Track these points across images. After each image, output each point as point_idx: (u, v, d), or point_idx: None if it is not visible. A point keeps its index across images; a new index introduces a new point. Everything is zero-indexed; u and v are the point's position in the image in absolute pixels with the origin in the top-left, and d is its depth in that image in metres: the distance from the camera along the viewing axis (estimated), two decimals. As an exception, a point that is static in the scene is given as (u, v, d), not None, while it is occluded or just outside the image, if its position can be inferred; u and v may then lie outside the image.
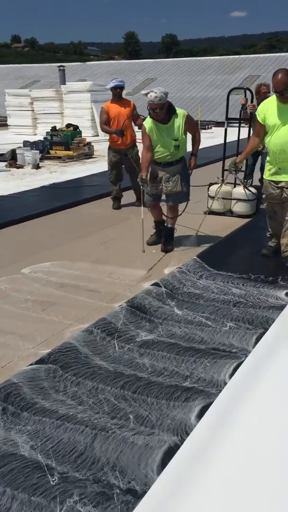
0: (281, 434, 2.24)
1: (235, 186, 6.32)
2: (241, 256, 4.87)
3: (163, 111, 4.45)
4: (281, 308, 3.58)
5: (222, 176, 6.33)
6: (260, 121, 4.21)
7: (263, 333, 3.21)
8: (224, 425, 2.28)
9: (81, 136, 11.97)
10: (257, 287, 4.01)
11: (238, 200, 6.18)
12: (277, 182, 4.29)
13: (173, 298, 3.79)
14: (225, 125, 6.53)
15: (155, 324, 3.37)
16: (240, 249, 5.06)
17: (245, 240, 5.30)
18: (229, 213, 6.32)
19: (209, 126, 20.34)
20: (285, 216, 4.33)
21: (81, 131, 12.24)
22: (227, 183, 6.15)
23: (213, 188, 6.21)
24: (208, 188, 6.35)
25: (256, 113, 4.34)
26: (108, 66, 33.47)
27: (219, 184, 6.08)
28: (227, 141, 6.49)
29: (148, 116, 4.61)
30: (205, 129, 19.39)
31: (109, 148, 6.67)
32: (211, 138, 16.42)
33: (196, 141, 4.82)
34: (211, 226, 5.58)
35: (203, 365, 2.85)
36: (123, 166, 6.69)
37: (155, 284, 3.95)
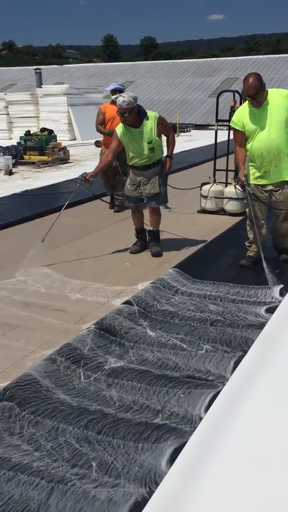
0: (262, 479, 2.00)
1: (226, 186, 6.47)
2: (219, 267, 4.65)
3: (132, 115, 4.46)
4: (260, 326, 3.34)
5: (214, 176, 6.55)
6: (239, 129, 4.16)
7: (242, 357, 2.96)
8: (198, 472, 2.02)
9: (56, 141, 11.65)
10: (236, 303, 3.78)
11: (230, 198, 6.27)
12: (263, 186, 4.25)
13: (146, 317, 3.53)
14: (216, 126, 6.68)
15: (125, 348, 3.10)
16: (219, 259, 4.84)
17: (225, 249, 5.07)
18: (222, 211, 6.43)
19: (188, 129, 20.18)
20: (277, 221, 4.43)
21: (56, 135, 11.93)
22: (218, 182, 6.44)
23: (206, 187, 6.44)
24: (201, 188, 6.54)
25: (231, 124, 4.29)
26: (86, 69, 33.15)
27: (211, 184, 6.39)
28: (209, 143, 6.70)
29: (121, 122, 4.62)
30: (183, 132, 19.23)
31: (102, 149, 6.80)
32: (189, 141, 16.25)
33: (170, 142, 4.80)
34: (203, 226, 5.73)
35: (176, 397, 2.59)
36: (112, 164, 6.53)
37: (127, 302, 3.68)
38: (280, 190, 4.22)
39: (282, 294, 3.90)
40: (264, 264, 4.14)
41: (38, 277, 4.31)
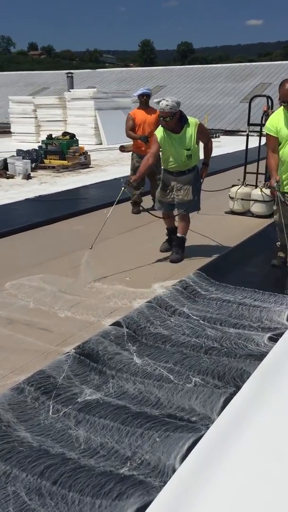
0: None
1: (256, 188, 6.60)
2: (227, 285, 4.30)
3: (174, 120, 4.43)
4: (260, 357, 2.99)
5: (244, 179, 6.77)
6: (273, 134, 4.13)
7: (234, 393, 2.63)
8: None
9: (77, 145, 11.48)
10: (237, 328, 3.43)
11: (256, 201, 6.39)
12: None
13: (135, 341, 3.22)
14: (247, 130, 6.95)
15: (105, 378, 2.81)
16: (228, 275, 4.49)
17: (236, 264, 4.72)
18: (249, 213, 6.58)
19: (217, 135, 19.74)
20: None
21: (77, 139, 11.75)
22: (247, 185, 6.65)
23: (233, 189, 6.68)
24: (230, 190, 6.79)
25: (265, 128, 4.28)
26: (118, 73, 33.11)
27: (239, 186, 6.63)
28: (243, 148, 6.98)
29: (160, 125, 4.60)
30: (212, 137, 18.82)
31: (133, 153, 6.82)
32: (217, 147, 15.80)
33: (208, 150, 4.78)
34: (229, 230, 5.89)
35: (151, 441, 2.28)
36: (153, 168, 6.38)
37: (116, 323, 3.38)
38: None
39: (290, 319, 3.54)
40: None
41: (30, 291, 4.07)
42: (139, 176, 4.68)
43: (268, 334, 3.32)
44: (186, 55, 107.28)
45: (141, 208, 6.23)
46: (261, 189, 6.35)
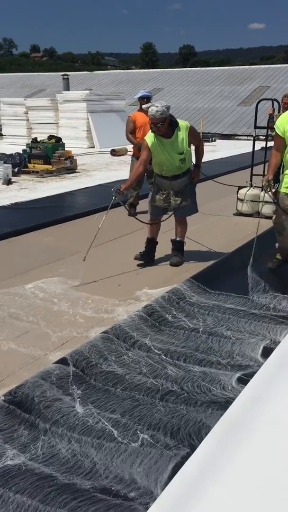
0: None
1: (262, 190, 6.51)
2: (201, 312, 3.84)
3: (165, 126, 4.33)
4: (224, 405, 2.54)
5: (251, 181, 6.92)
6: (280, 134, 4.13)
7: (187, 456, 2.17)
8: None
9: (63, 149, 11.02)
10: (203, 365, 2.97)
11: (266, 202, 6.31)
12: None
13: (82, 382, 2.77)
14: (254, 133, 7.21)
15: (36, 433, 2.35)
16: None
17: (219, 279, 4.26)
18: (257, 214, 6.47)
19: (213, 139, 19.30)
20: None
21: (64, 143, 11.28)
22: (255, 187, 6.72)
23: (242, 191, 6.81)
24: (238, 192, 6.91)
25: (275, 126, 4.24)
26: (115, 75, 32.70)
27: (247, 188, 6.78)
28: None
29: (150, 131, 4.48)
30: (208, 141, 18.38)
31: (133, 155, 6.78)
32: (212, 152, 15.38)
33: (199, 152, 4.70)
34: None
35: (72, 528, 1.82)
36: (145, 174, 5.97)
37: (62, 360, 2.93)
38: None
39: (264, 354, 3.08)
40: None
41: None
42: (129, 185, 4.57)
43: (238, 374, 2.86)
44: (188, 58, 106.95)
45: (129, 212, 6.04)
46: (265, 191, 6.20)
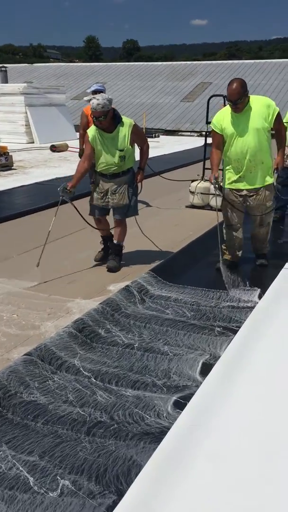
0: None
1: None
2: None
3: (107, 119, 4.19)
4: (158, 438, 2.26)
5: (203, 174, 7.04)
6: (218, 132, 4.16)
7: (113, 506, 1.88)
8: None
9: (-2, 145, 10.44)
10: (137, 388, 2.69)
11: (215, 195, 6.47)
12: (238, 190, 4.28)
13: (-4, 417, 2.41)
14: (206, 128, 7.48)
15: None
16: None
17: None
18: (208, 207, 6.85)
19: (157, 135, 19.14)
20: (254, 226, 4.45)
21: (-1, 138, 10.72)
22: (206, 180, 6.83)
23: (194, 184, 7.02)
24: (190, 185, 7.11)
25: (211, 125, 4.25)
26: (57, 68, 31.90)
27: (198, 181, 6.99)
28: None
29: (93, 124, 4.35)
30: (151, 137, 18.18)
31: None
32: (155, 148, 15.17)
33: (143, 153, 4.54)
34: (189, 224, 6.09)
35: None
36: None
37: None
38: (254, 196, 4.25)
39: (203, 371, 2.84)
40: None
41: None
42: (75, 182, 4.37)
43: (174, 397, 2.60)
44: (132, 53, 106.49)
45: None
46: (215, 188, 6.42)
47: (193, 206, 7.03)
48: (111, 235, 4.76)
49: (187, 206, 7.11)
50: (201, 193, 6.90)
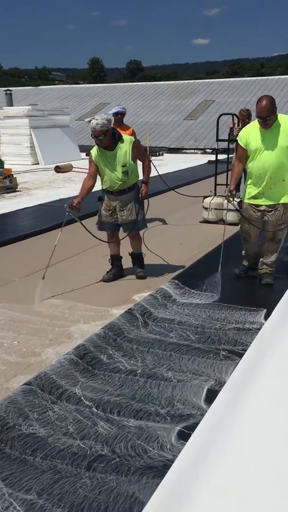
0: None
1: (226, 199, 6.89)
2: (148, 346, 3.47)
3: (107, 138, 4.36)
4: (161, 472, 2.16)
5: (215, 190, 7.36)
6: (242, 145, 4.26)
7: None
8: None
9: (2, 167, 10.49)
10: (139, 417, 2.60)
11: (229, 210, 6.49)
12: (257, 206, 4.35)
13: (-6, 452, 2.33)
14: (217, 145, 7.67)
15: None
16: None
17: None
18: (221, 222, 6.86)
19: (161, 153, 19.22)
20: (266, 240, 4.52)
21: (3, 161, 10.76)
22: (219, 195, 7.20)
23: (207, 200, 7.24)
24: (203, 200, 7.34)
25: (237, 138, 4.37)
26: (61, 90, 32.29)
27: (212, 197, 7.23)
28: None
29: (95, 144, 4.51)
30: (155, 155, 18.25)
31: None
32: (158, 166, 15.19)
33: (146, 168, 4.68)
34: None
35: None
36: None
37: (-29, 425, 2.47)
38: (272, 212, 4.32)
39: (208, 399, 2.74)
40: None
41: None
42: (81, 199, 4.50)
43: (178, 427, 2.50)
44: (135, 73, 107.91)
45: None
46: (228, 200, 6.46)
47: (206, 221, 7.24)
48: (120, 256, 4.92)
49: (200, 222, 7.32)
50: (215, 209, 7.13)
